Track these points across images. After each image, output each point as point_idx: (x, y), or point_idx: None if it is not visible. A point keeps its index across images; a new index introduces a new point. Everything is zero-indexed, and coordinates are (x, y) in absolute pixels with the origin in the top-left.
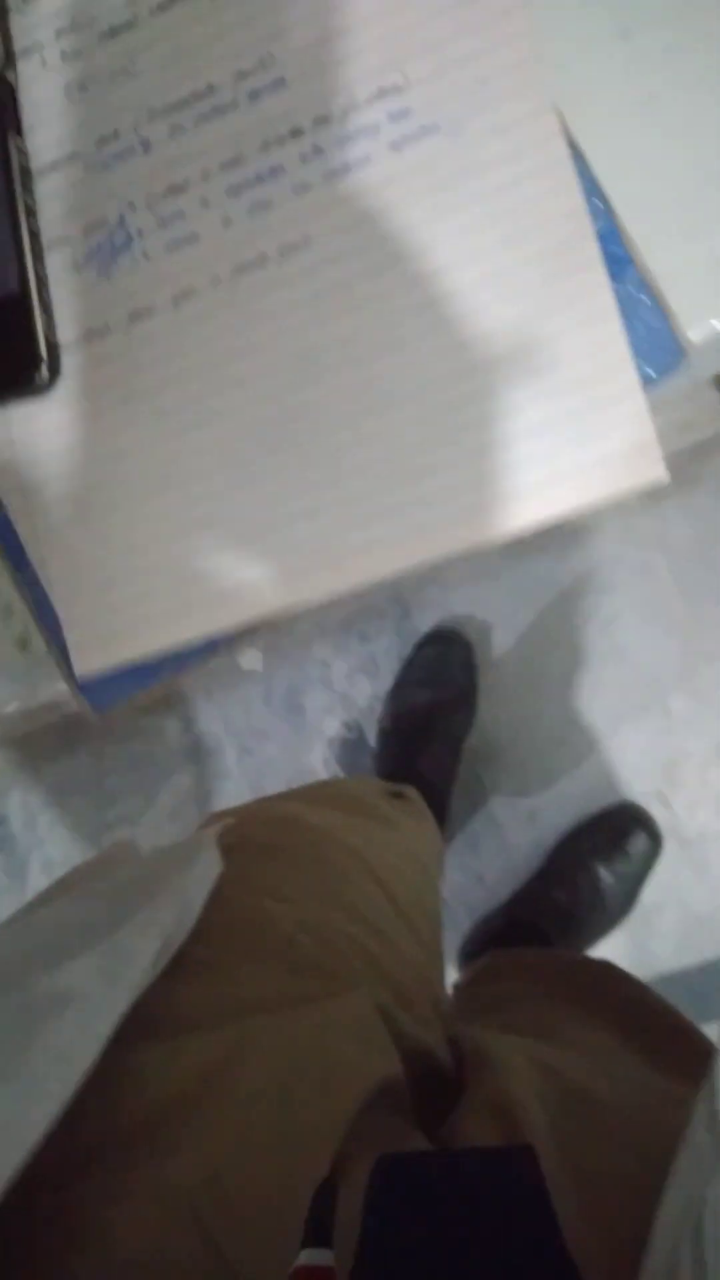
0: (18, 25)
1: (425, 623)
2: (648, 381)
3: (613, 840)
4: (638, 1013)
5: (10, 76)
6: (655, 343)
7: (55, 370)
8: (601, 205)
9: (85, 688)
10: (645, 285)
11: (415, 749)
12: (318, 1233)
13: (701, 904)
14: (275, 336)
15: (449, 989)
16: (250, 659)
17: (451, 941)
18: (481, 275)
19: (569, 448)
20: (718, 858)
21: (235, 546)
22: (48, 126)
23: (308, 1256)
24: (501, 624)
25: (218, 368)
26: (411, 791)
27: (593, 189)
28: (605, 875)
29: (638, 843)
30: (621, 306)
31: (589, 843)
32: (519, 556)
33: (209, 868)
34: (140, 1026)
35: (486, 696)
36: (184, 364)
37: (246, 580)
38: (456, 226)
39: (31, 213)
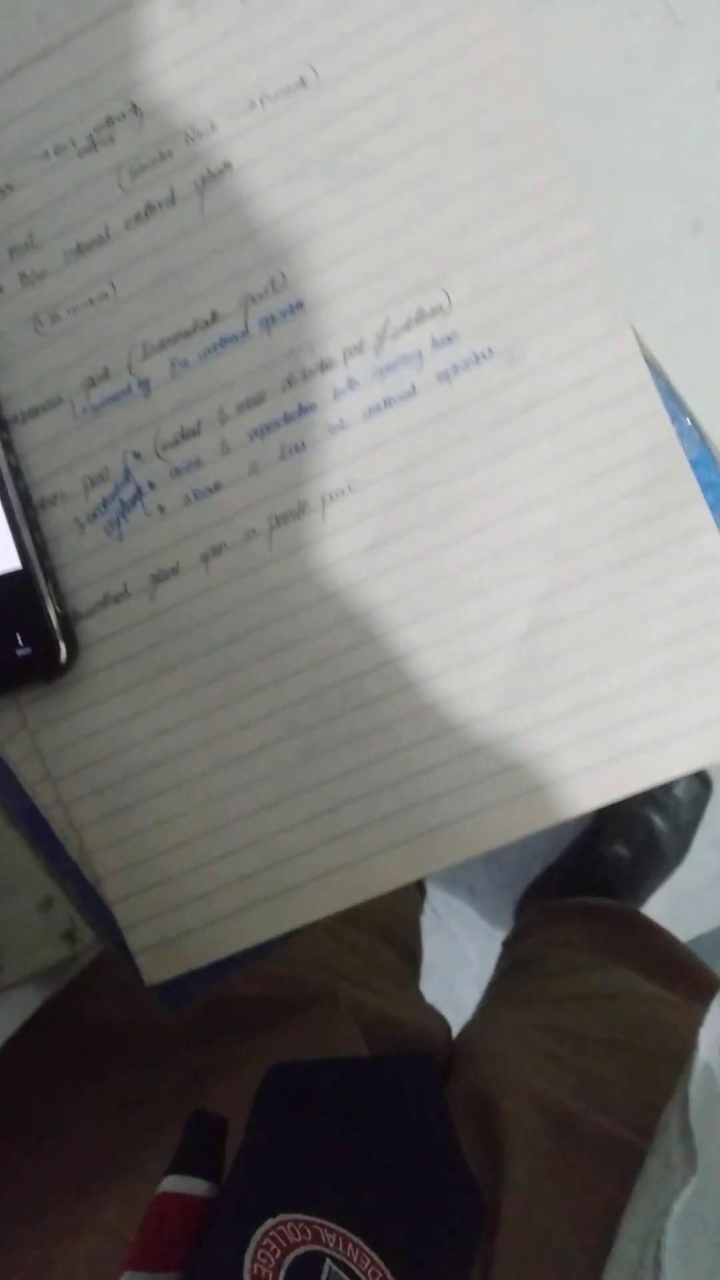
0: None
1: None
2: None
3: (664, 787)
4: (661, 954)
5: None
6: None
7: (73, 647)
8: (691, 426)
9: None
10: None
11: None
12: (189, 1161)
13: (685, 880)
14: (325, 594)
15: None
16: None
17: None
18: (561, 518)
19: (685, 704)
20: (699, 833)
21: (304, 830)
22: (17, 366)
23: (173, 1184)
24: None
25: (261, 630)
26: None
27: (678, 409)
28: (660, 823)
29: (689, 786)
30: None
31: (641, 793)
32: None
33: None
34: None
35: None
36: (223, 628)
37: (323, 868)
38: (526, 466)
39: (18, 472)
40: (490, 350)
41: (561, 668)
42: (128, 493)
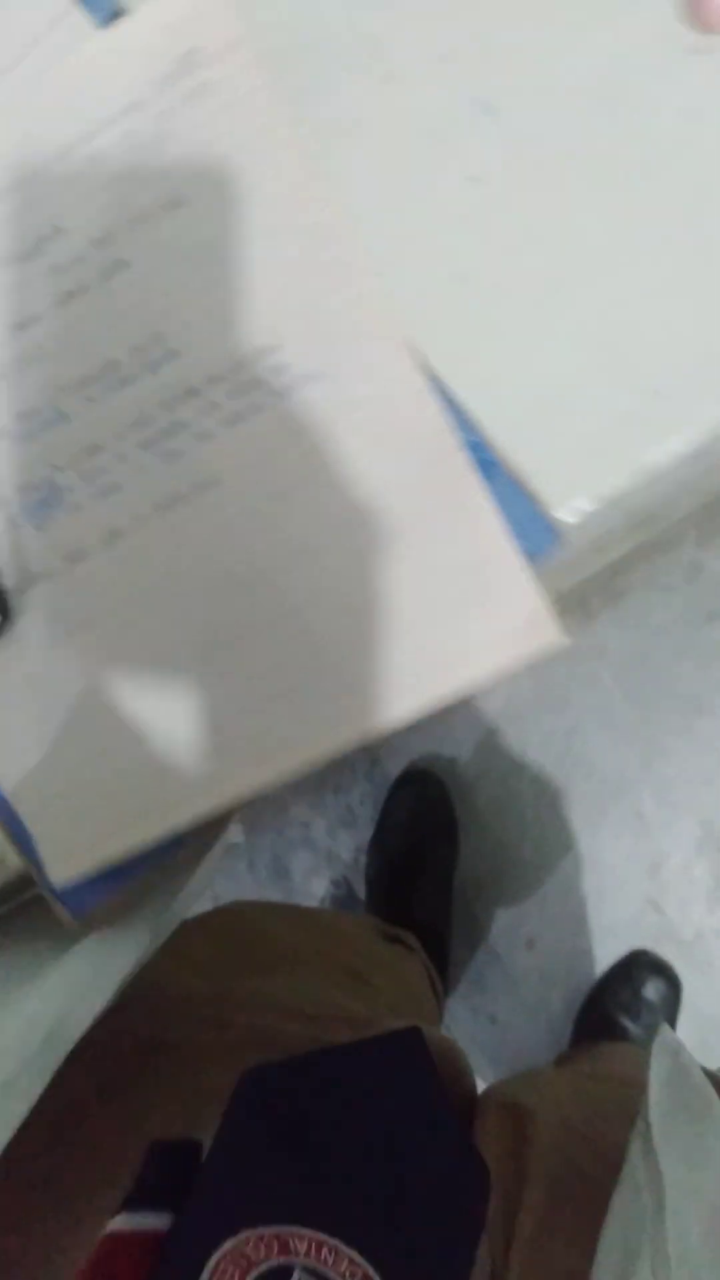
0: None
1: (394, 766)
2: (531, 559)
3: (633, 993)
4: None
5: None
6: (533, 527)
7: (6, 614)
8: (468, 420)
9: (62, 895)
10: (515, 481)
11: (406, 894)
12: (146, 1196)
13: (711, 1005)
14: (198, 561)
15: None
16: (229, 832)
17: None
18: (369, 493)
19: (462, 631)
20: (719, 952)
21: (185, 745)
22: None
23: (121, 1223)
24: (466, 755)
25: (153, 593)
26: (411, 939)
27: (457, 408)
28: (634, 1030)
29: (657, 989)
30: (498, 501)
31: (610, 1001)
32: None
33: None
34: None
35: (465, 829)
36: (122, 593)
37: (197, 775)
38: (342, 455)
39: None
40: (312, 373)
41: (385, 604)
42: (51, 495)
